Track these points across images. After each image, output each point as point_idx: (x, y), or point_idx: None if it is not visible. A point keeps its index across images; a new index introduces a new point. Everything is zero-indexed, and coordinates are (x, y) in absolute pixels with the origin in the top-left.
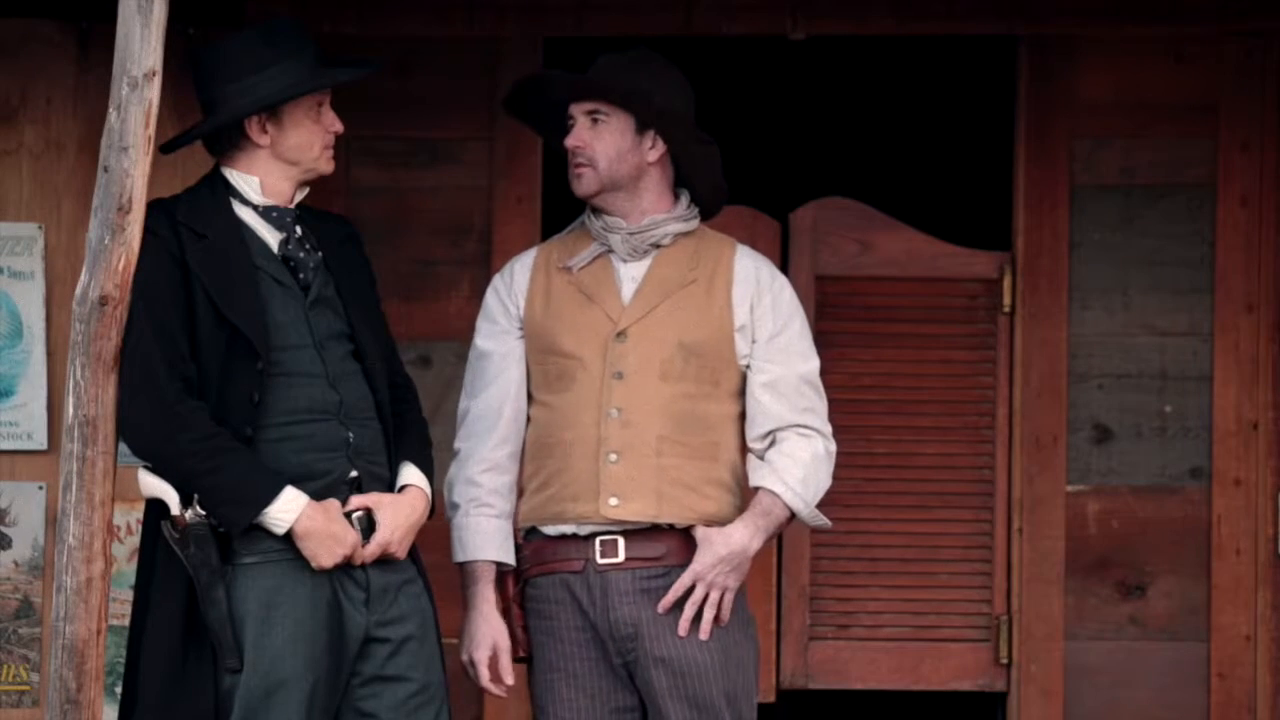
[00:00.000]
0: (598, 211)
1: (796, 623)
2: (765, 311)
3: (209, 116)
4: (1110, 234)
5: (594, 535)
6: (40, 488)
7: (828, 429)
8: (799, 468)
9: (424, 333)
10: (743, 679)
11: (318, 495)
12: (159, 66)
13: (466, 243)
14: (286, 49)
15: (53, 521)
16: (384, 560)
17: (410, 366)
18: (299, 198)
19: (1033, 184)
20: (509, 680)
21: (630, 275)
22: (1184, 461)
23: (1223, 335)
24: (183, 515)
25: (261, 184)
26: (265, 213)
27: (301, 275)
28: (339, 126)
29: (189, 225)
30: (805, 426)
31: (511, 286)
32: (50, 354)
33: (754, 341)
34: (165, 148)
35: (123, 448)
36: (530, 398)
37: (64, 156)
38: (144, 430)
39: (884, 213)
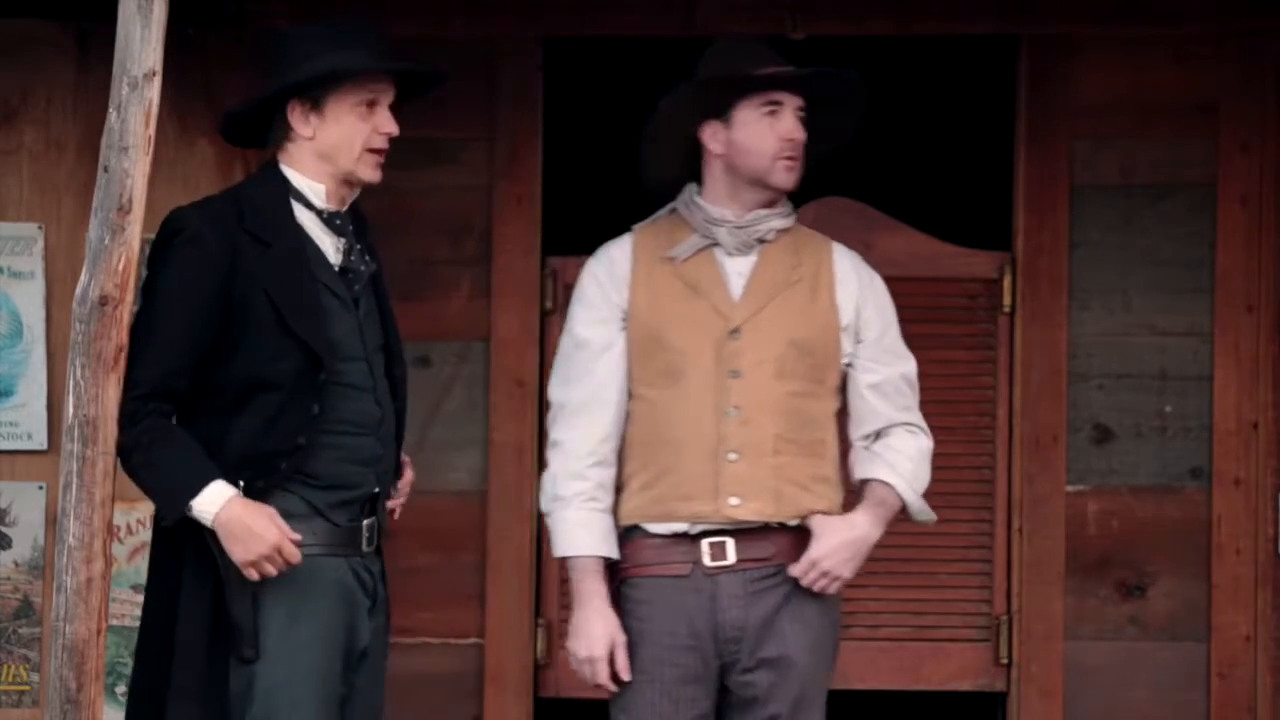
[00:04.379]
0: (715, 204)
1: None
2: (872, 314)
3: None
4: (1110, 234)
5: (702, 536)
6: (40, 488)
7: (926, 426)
8: (909, 461)
9: (424, 333)
10: (828, 668)
11: (345, 505)
12: (159, 66)
13: (466, 243)
14: (347, 40)
15: (53, 521)
16: (379, 566)
17: (410, 367)
18: (349, 201)
19: (1033, 184)
20: (627, 677)
21: (737, 270)
22: (1184, 461)
23: (1223, 335)
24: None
25: (326, 191)
26: (329, 220)
27: (357, 287)
28: (390, 128)
29: (253, 233)
30: (910, 424)
31: (613, 274)
32: (50, 354)
33: (859, 342)
34: (225, 131)
35: None
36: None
37: (64, 156)
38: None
39: (884, 213)
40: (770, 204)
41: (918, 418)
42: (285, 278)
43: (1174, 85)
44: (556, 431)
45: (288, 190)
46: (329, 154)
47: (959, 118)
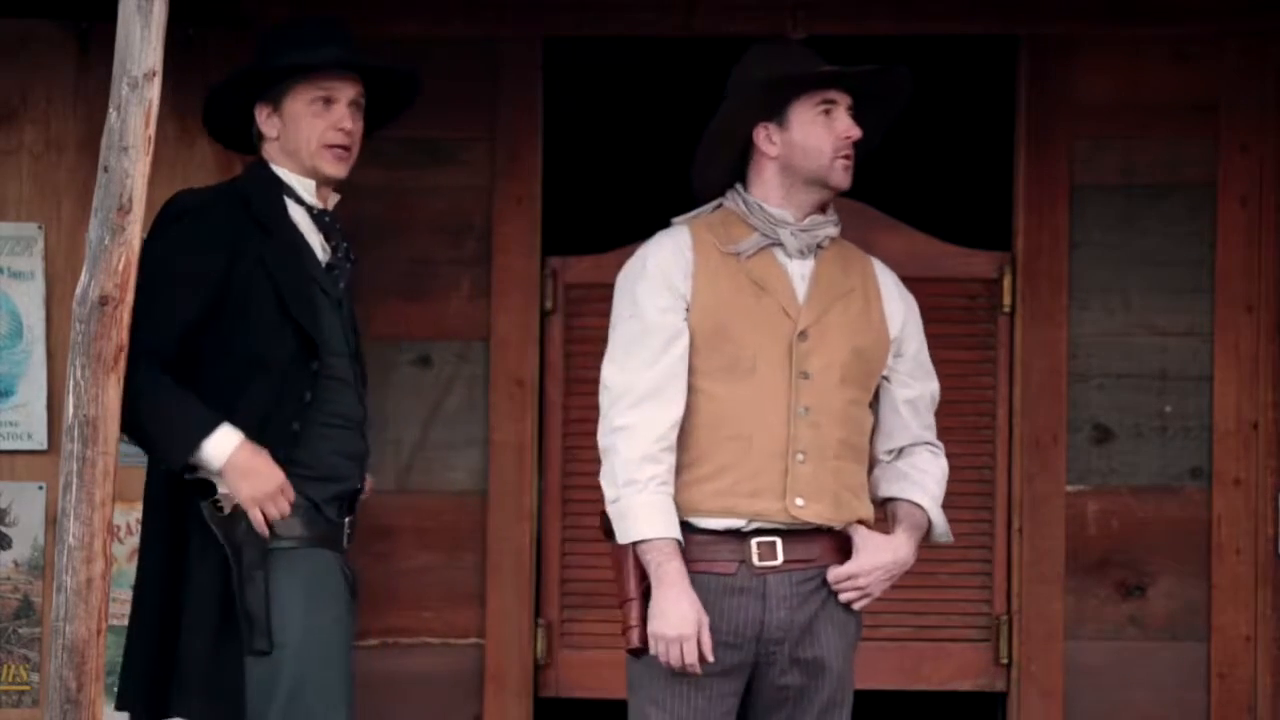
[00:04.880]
0: (774, 205)
1: None
2: (913, 329)
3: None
4: (1110, 234)
5: (751, 535)
6: (40, 488)
7: (941, 445)
8: (935, 484)
9: (424, 333)
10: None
11: (334, 500)
12: (159, 66)
13: (466, 243)
14: (305, 40)
15: (53, 521)
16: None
17: (410, 366)
18: (332, 201)
19: (1033, 184)
20: (711, 658)
21: (799, 273)
22: (1184, 461)
23: (1223, 335)
24: (233, 494)
25: (316, 188)
26: (318, 217)
27: (341, 286)
28: (345, 124)
29: (259, 220)
30: (932, 444)
31: (677, 263)
32: (50, 354)
33: (898, 356)
34: (218, 138)
35: (123, 448)
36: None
37: (64, 156)
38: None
39: (884, 213)
40: (823, 207)
41: (935, 436)
42: (286, 265)
43: (1174, 85)
44: (623, 416)
45: (280, 186)
46: (292, 152)
47: (959, 118)
